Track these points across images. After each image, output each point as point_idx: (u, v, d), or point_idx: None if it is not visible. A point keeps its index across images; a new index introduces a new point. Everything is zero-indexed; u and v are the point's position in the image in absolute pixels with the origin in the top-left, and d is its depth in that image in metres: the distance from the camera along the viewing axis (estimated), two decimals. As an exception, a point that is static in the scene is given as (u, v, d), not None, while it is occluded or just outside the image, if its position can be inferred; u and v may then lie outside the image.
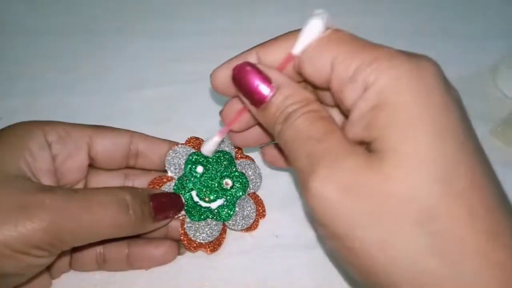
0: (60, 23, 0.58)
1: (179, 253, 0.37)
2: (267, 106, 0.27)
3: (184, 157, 0.37)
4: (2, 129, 0.32)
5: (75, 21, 0.59)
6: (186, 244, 0.36)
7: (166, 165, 0.36)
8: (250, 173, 0.38)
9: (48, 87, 0.51)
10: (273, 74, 0.28)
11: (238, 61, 0.29)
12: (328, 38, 0.26)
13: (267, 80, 0.27)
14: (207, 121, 0.48)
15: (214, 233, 0.36)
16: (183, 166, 0.37)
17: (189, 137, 0.39)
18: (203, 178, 0.37)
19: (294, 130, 0.26)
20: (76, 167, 0.34)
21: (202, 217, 0.36)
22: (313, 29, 0.26)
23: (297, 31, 0.27)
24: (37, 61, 0.53)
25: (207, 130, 0.41)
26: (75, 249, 0.33)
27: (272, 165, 0.39)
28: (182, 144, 0.38)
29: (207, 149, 0.34)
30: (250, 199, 0.38)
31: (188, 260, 0.37)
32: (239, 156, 0.39)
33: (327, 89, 0.27)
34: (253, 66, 0.28)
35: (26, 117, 0.46)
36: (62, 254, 0.30)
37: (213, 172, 0.37)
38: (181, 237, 0.36)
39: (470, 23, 0.60)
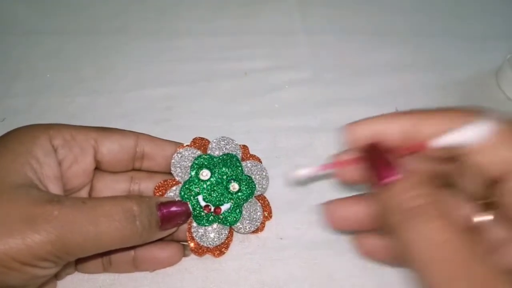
0: (61, 23, 0.58)
1: (184, 255, 0.37)
2: (391, 187, 0.25)
3: (190, 160, 0.36)
4: (6, 135, 0.31)
5: (76, 21, 0.58)
6: (193, 249, 0.36)
7: (172, 169, 0.36)
8: (257, 175, 0.38)
9: (49, 87, 0.51)
10: (402, 162, 0.26)
11: (383, 120, 0.28)
12: (506, 132, 0.24)
13: (396, 165, 0.26)
14: (207, 121, 0.48)
15: (221, 237, 0.36)
16: (189, 170, 0.36)
17: (194, 137, 0.38)
18: (209, 182, 0.36)
19: (425, 237, 0.23)
20: (82, 171, 0.33)
21: (209, 221, 0.36)
22: (472, 136, 0.24)
23: (463, 113, 0.26)
24: (38, 61, 0.53)
25: (207, 130, 0.41)
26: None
27: (369, 257, 0.34)
28: (187, 145, 0.37)
29: (298, 175, 0.31)
30: (257, 202, 0.38)
31: (193, 262, 0.37)
32: (246, 156, 0.39)
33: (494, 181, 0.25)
34: (385, 148, 0.27)
35: (28, 117, 0.47)
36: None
37: (219, 175, 0.37)
38: (188, 241, 0.36)
39: (473, 24, 0.60)
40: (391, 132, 0.27)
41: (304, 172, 0.30)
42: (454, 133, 0.25)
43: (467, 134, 0.24)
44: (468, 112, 0.26)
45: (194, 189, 0.36)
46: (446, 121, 0.26)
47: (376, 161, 0.27)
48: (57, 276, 0.34)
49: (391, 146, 0.27)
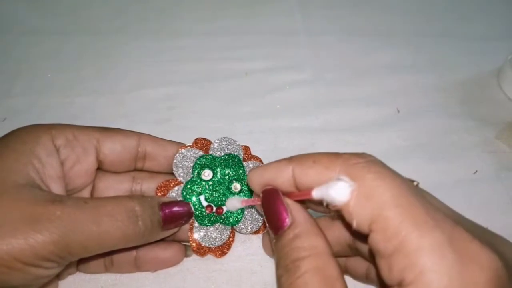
0: (62, 24, 0.58)
1: (186, 255, 0.37)
2: (280, 237, 0.27)
3: (192, 161, 0.36)
4: (8, 135, 0.31)
5: (76, 22, 0.59)
6: (195, 249, 0.36)
7: (174, 169, 0.36)
8: None
9: (49, 87, 0.51)
10: (294, 210, 0.27)
11: (273, 169, 0.28)
12: (372, 187, 0.23)
13: (286, 213, 0.27)
14: (208, 122, 0.48)
15: (223, 237, 0.36)
16: (191, 170, 0.36)
17: (196, 138, 0.38)
18: (211, 182, 0.36)
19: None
20: (84, 171, 0.33)
21: (211, 221, 0.36)
22: (338, 193, 0.24)
23: (339, 158, 0.25)
24: (39, 61, 0.53)
25: (209, 130, 0.41)
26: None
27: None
28: (189, 145, 0.37)
29: (231, 206, 0.36)
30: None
31: (195, 263, 0.37)
32: (248, 156, 0.39)
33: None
34: (279, 196, 0.28)
35: (29, 117, 0.47)
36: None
37: (221, 175, 0.36)
38: (190, 242, 0.35)
39: (473, 25, 0.60)
40: (282, 179, 0.28)
41: (237, 204, 0.35)
42: (320, 189, 0.25)
43: (328, 192, 0.24)
44: (347, 163, 0.25)
45: (196, 189, 0.36)
46: (323, 173, 0.25)
47: (269, 208, 0.28)
48: (59, 276, 0.34)
49: (284, 193, 0.28)
